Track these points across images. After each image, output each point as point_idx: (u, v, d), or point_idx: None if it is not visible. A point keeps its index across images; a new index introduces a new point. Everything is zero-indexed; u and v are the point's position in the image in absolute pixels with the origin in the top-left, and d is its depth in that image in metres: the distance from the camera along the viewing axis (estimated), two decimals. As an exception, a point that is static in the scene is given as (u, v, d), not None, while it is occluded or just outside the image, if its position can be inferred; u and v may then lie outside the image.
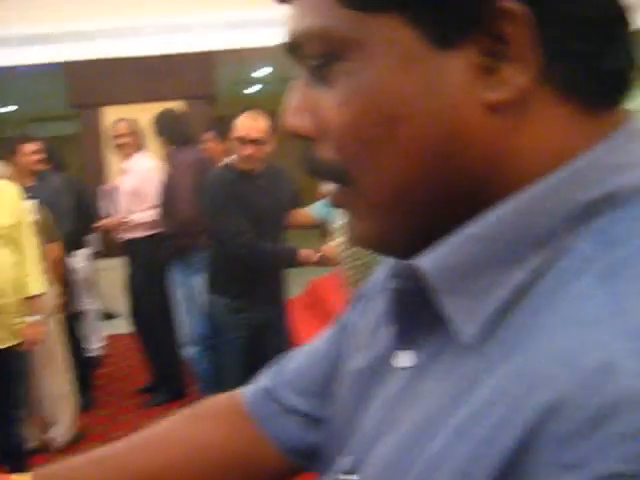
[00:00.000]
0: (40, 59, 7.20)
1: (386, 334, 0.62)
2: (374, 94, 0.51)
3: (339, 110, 0.53)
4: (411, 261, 0.54)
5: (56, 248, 4.56)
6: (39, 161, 5.09)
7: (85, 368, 5.28)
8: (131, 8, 7.04)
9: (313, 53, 0.54)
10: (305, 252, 3.62)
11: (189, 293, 4.65)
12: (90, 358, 5.74)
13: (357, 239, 0.60)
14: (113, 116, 5.85)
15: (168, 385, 5.31)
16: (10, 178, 4.08)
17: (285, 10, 0.56)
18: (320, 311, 6.87)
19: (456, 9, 0.47)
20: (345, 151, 0.54)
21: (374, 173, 0.53)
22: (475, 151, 0.50)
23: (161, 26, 7.17)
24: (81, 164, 7.47)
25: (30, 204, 4.11)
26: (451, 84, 0.48)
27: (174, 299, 4.83)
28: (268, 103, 12.68)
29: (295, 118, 0.58)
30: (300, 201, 3.98)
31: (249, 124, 3.51)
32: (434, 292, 0.52)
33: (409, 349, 0.57)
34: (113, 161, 6.72)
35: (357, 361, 0.67)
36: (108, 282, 6.45)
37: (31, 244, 3.67)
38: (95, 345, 6.03)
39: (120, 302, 5.86)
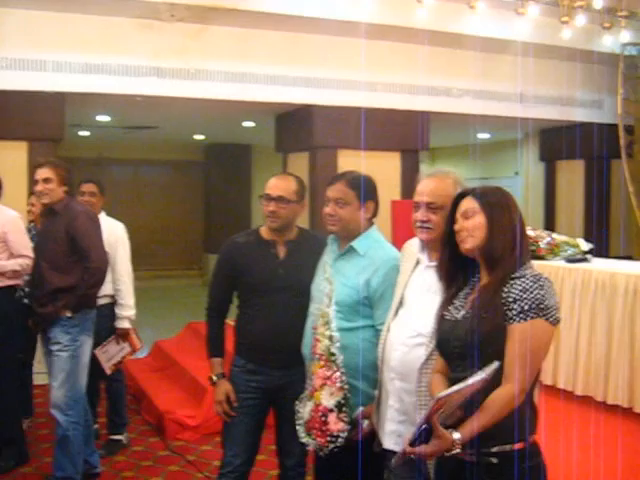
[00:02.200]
0: None
1: None
2: None
3: None
4: None
5: None
6: None
7: None
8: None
9: None
10: (216, 362, 3.57)
11: (74, 353, 4.36)
12: None
13: None
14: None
15: (12, 450, 4.92)
16: None
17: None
18: (171, 373, 6.70)
19: None
20: None
21: None
22: None
23: (13, 61, 6.81)
24: None
25: None
26: None
27: (56, 357, 4.45)
28: (102, 148, 12.42)
29: None
30: None
31: (273, 182, 3.48)
32: None
33: None
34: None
35: None
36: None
37: None
38: None
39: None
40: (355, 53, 7.97)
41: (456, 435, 2.16)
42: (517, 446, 2.24)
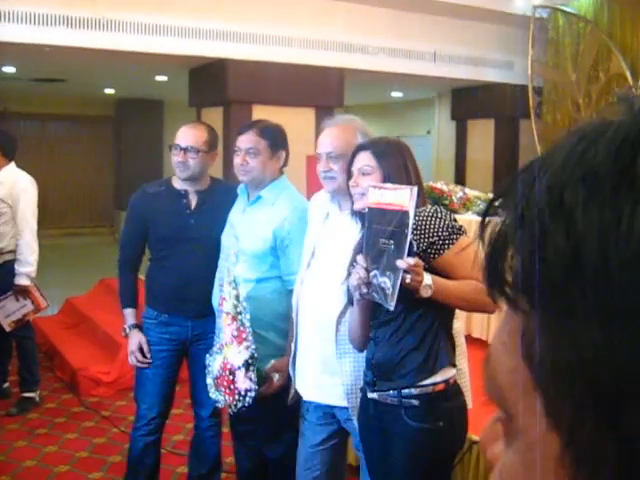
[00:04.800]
0: None
1: None
2: None
3: None
4: None
5: None
6: None
7: None
8: None
9: None
10: (129, 313, 3.54)
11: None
12: None
13: None
14: None
15: None
16: None
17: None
18: (84, 330, 6.59)
19: None
20: None
21: None
22: None
23: None
24: None
25: None
26: None
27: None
28: (7, 101, 11.91)
29: None
30: None
31: (183, 132, 3.42)
32: None
33: None
34: None
35: None
36: None
37: None
38: None
39: None
40: (270, 7, 7.89)
41: (428, 277, 2.20)
42: (438, 387, 2.31)
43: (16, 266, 4.96)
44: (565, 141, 0.44)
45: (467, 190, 6.00)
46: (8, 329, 5.00)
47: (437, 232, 2.28)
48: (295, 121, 8.05)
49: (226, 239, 3.26)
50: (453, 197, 5.73)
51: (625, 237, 0.38)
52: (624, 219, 0.38)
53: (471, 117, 10.89)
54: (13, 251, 4.94)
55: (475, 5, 8.53)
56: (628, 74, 8.27)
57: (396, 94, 12.48)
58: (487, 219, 0.48)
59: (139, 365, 3.46)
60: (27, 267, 4.99)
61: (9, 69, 9.91)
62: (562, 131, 9.07)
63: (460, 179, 10.73)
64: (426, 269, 2.22)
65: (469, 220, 5.89)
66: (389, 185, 2.21)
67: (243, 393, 2.91)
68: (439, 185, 5.82)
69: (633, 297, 0.38)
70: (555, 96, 9.39)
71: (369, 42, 8.84)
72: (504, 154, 10.32)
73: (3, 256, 4.82)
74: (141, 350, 3.44)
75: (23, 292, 5.01)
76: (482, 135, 10.78)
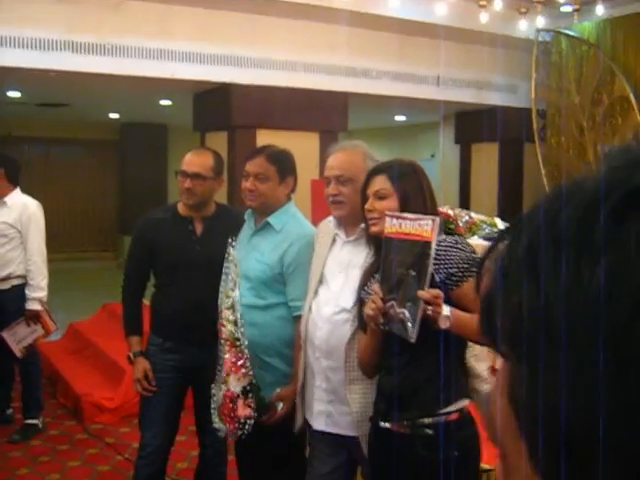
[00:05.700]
0: None
1: None
2: None
3: None
4: None
5: None
6: None
7: None
8: None
9: None
10: (134, 341, 3.50)
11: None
12: None
13: None
14: None
15: None
16: None
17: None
18: (87, 355, 6.56)
19: None
20: None
21: None
22: None
23: None
24: None
25: None
26: None
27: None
28: (12, 125, 11.94)
29: None
30: None
31: (189, 158, 3.40)
32: None
33: None
34: None
35: None
36: None
37: None
38: None
39: None
40: (274, 32, 7.91)
41: (447, 309, 2.16)
42: (452, 417, 2.27)
43: (27, 291, 4.93)
44: (546, 198, 0.48)
45: (473, 214, 5.97)
46: (19, 355, 4.96)
47: (457, 264, 2.24)
48: (299, 145, 8.01)
49: (226, 264, 3.23)
50: (459, 221, 5.70)
51: (584, 299, 0.42)
52: (584, 283, 0.43)
53: (475, 140, 10.88)
54: (21, 276, 4.93)
55: (478, 29, 8.55)
56: (632, 96, 8.27)
57: (400, 118, 12.50)
58: (484, 268, 0.52)
59: (144, 393, 3.42)
60: (39, 292, 4.97)
61: (14, 94, 9.94)
62: (566, 154, 9.07)
63: (465, 203, 10.70)
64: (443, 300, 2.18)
65: (475, 244, 5.87)
66: (409, 215, 2.17)
67: (242, 421, 2.87)
68: (445, 209, 5.79)
69: (591, 353, 0.41)
70: (559, 119, 9.38)
71: (373, 66, 8.86)
72: (509, 177, 10.31)
73: (11, 281, 4.80)
74: (146, 377, 3.40)
75: (34, 317, 4.97)
76: (486, 158, 10.76)
